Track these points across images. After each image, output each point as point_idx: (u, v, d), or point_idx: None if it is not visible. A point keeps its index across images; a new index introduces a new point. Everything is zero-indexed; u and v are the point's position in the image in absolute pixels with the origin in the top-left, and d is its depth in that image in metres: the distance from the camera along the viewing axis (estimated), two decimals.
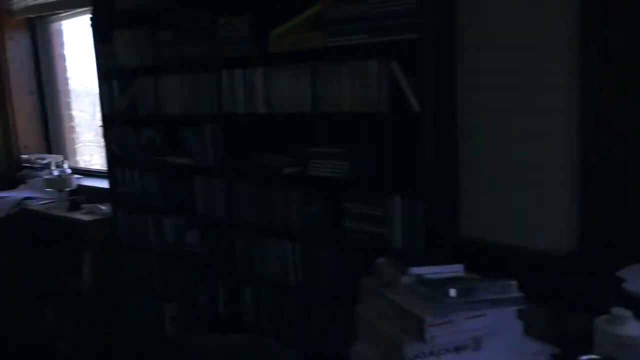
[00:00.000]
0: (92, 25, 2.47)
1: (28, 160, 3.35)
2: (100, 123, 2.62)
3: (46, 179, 2.95)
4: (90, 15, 2.49)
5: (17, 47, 3.40)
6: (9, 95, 3.37)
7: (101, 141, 3.14)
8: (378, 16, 1.64)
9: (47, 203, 2.90)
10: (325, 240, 1.93)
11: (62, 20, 3.34)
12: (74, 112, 3.46)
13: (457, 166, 1.78)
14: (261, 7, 1.96)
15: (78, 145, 3.48)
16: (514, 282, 1.31)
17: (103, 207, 2.68)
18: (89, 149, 3.41)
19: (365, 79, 1.70)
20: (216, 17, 2.03)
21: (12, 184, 3.24)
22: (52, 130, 3.53)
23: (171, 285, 2.47)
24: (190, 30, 2.20)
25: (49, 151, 3.53)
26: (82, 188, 2.96)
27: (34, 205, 2.90)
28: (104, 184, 2.92)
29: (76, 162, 3.43)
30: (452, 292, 1.26)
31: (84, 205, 2.75)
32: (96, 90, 2.85)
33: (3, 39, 3.34)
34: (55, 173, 3.09)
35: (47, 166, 3.22)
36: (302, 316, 2.02)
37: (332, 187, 1.90)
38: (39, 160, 3.29)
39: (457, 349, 1.25)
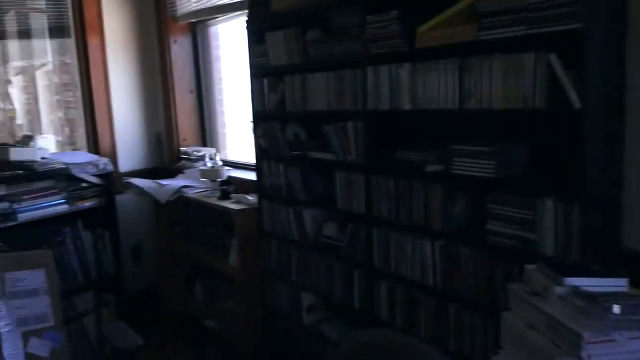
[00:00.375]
0: (248, 27, 2.63)
1: (185, 152, 3.68)
2: (248, 119, 2.79)
3: (201, 169, 3.22)
4: (246, 18, 2.65)
5: (180, 49, 3.74)
6: (173, 93, 3.72)
7: (246, 136, 3.35)
8: (536, 6, 1.54)
9: (202, 192, 3.16)
10: (467, 242, 1.87)
11: (219, 23, 3.61)
12: (225, 109, 3.74)
13: (621, 168, 1.61)
14: (409, 3, 1.94)
15: (228, 140, 3.75)
16: None
17: (250, 198, 2.85)
18: (236, 142, 3.66)
19: (519, 74, 1.61)
20: (364, 15, 2.05)
21: (172, 174, 3.58)
22: (207, 125, 3.85)
23: (309, 275, 2.56)
24: (338, 29, 2.26)
25: (204, 144, 3.85)
26: (231, 179, 3.18)
27: (190, 193, 3.17)
28: (250, 175, 3.12)
29: (226, 155, 3.69)
30: (616, 309, 1.15)
31: (233, 195, 2.96)
32: (244, 89, 3.05)
33: (168, 42, 3.70)
34: (209, 164, 3.37)
35: (202, 158, 3.52)
36: (440, 318, 1.97)
37: (476, 187, 1.83)
38: (195, 153, 3.60)
39: None
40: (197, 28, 3.76)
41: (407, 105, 1.97)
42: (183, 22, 3.68)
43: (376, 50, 2.06)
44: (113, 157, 3.56)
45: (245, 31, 2.65)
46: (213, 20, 3.61)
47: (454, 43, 1.80)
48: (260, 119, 2.69)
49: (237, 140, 3.65)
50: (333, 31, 2.31)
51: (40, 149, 2.97)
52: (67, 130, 3.81)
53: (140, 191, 3.28)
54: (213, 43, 3.74)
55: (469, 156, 1.80)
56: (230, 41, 3.57)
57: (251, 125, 2.73)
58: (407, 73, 1.96)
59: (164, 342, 3.31)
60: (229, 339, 2.98)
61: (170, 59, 3.70)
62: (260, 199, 2.77)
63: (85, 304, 3.04)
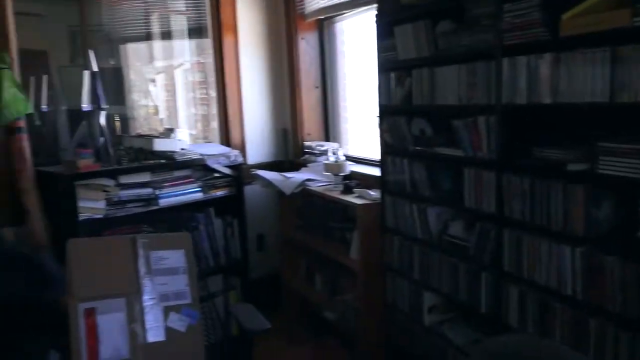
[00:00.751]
0: (377, 22, 2.62)
1: (309, 147, 3.77)
2: (370, 114, 2.77)
3: (325, 163, 3.28)
4: (376, 12, 2.64)
5: (307, 46, 3.83)
6: (299, 89, 3.83)
7: (368, 131, 3.35)
8: None
9: (325, 185, 3.22)
10: (615, 250, 1.69)
11: (345, 20, 3.65)
12: (347, 105, 3.77)
13: None
14: None
15: (349, 135, 3.79)
16: None
17: (372, 193, 2.85)
18: (358, 138, 3.67)
19: None
20: (501, 3, 1.95)
21: (296, 167, 3.69)
22: (331, 121, 3.91)
23: (431, 274, 2.49)
24: (471, 20, 2.17)
25: (327, 139, 3.92)
26: (353, 174, 3.20)
27: (314, 186, 3.24)
28: (372, 171, 3.12)
29: (347, 150, 3.72)
30: None
31: (355, 190, 2.97)
32: (367, 84, 3.04)
33: (296, 39, 3.81)
34: (332, 159, 3.42)
35: (325, 153, 3.59)
36: (578, 330, 1.81)
37: (627, 189, 1.65)
38: (318, 147, 3.68)
39: None
40: (324, 25, 3.83)
41: (547, 99, 1.84)
42: (311, 20, 3.77)
43: (512, 41, 1.95)
44: (242, 150, 3.75)
45: (374, 25, 2.64)
46: (339, 17, 3.65)
47: (604, 30, 1.64)
48: (386, 113, 2.67)
49: (359, 135, 3.67)
50: (465, 22, 2.22)
51: (180, 140, 3.21)
52: (199, 125, 4.07)
53: (267, 183, 3.42)
54: (338, 39, 3.79)
55: (619, 155, 1.63)
56: (355, 37, 3.60)
57: (377, 120, 2.72)
58: (548, 64, 1.82)
59: (285, 328, 3.43)
60: (349, 331, 3.00)
61: (298, 56, 3.80)
62: (383, 194, 2.75)
63: (215, 286, 3.25)
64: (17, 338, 2.17)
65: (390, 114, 2.63)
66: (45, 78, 3.06)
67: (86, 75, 2.89)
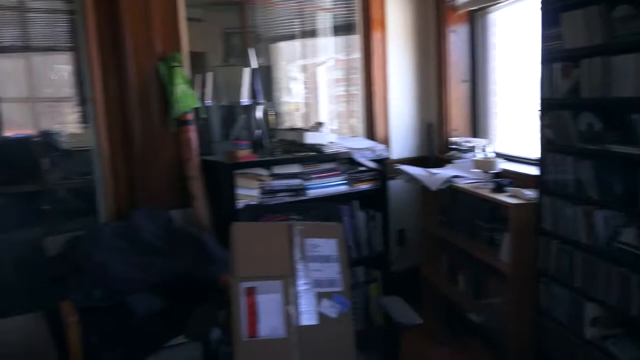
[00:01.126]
0: (542, 9, 2.45)
1: (455, 143, 3.66)
2: (521, 109, 2.59)
3: (475, 160, 3.15)
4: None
5: (457, 38, 3.71)
6: (446, 83, 3.73)
7: (521, 127, 3.15)
8: None
9: (473, 182, 3.09)
10: None
11: (499, 10, 3.47)
12: (497, 99, 3.58)
13: None
14: None
15: (499, 131, 3.60)
16: None
17: (527, 192, 2.68)
18: (509, 134, 3.48)
19: None
20: None
21: (440, 163, 3.60)
22: (479, 116, 3.75)
23: (595, 283, 2.27)
24: None
25: (474, 135, 3.77)
26: (504, 172, 3.04)
27: (461, 183, 3.13)
28: (525, 169, 2.94)
29: (496, 146, 3.54)
30: None
31: (507, 189, 2.82)
32: (520, 77, 2.83)
33: (445, 32, 3.71)
34: (479, 156, 3.28)
35: (472, 149, 3.45)
36: None
37: None
38: (465, 143, 3.55)
39: None
40: (475, 16, 3.68)
41: None
42: (462, 11, 3.65)
43: None
44: (386, 144, 3.74)
45: (539, 13, 2.47)
46: (493, 7, 3.48)
47: None
48: (549, 107, 2.48)
49: (510, 131, 3.47)
50: None
51: (328, 134, 3.29)
52: (338, 121, 4.13)
53: (411, 178, 3.39)
54: (490, 30, 3.62)
55: None
56: (509, 28, 3.41)
57: (538, 114, 2.54)
58: None
59: (425, 324, 3.36)
60: (495, 335, 2.86)
61: (446, 49, 3.70)
62: (541, 194, 2.57)
63: (357, 277, 3.30)
64: (185, 312, 2.40)
65: (553, 107, 2.45)
66: (210, 75, 3.32)
67: (246, 72, 3.09)
